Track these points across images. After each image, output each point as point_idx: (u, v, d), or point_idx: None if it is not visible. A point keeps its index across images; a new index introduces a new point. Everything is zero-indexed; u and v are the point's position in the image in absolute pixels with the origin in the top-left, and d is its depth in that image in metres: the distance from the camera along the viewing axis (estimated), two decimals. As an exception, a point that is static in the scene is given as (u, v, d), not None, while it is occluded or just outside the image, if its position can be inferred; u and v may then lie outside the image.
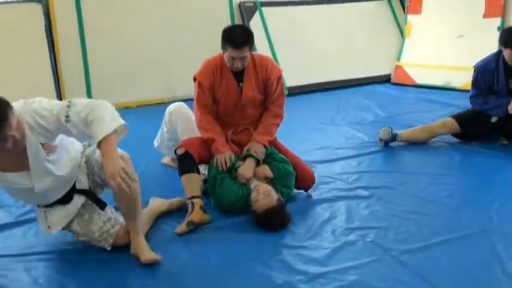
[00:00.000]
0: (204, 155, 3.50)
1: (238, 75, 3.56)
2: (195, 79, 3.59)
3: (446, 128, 4.63)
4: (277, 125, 3.67)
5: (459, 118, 4.61)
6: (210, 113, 3.59)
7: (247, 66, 3.54)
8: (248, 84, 3.57)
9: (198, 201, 3.27)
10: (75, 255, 2.95)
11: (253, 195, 3.28)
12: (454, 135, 4.67)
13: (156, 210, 3.33)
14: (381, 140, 4.58)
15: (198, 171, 3.41)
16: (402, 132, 4.64)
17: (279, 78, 3.63)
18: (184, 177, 3.38)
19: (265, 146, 3.56)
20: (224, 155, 3.45)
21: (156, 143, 4.11)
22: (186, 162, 3.41)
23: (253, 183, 3.39)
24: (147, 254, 2.84)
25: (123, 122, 2.55)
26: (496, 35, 6.50)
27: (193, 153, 3.42)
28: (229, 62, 3.45)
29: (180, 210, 3.40)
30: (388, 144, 4.58)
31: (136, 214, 2.90)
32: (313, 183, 3.65)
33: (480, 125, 4.55)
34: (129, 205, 2.85)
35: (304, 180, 3.61)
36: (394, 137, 4.58)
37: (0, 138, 2.38)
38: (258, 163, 3.49)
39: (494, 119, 4.49)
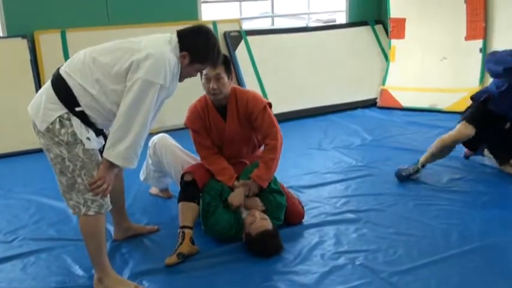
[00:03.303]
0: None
1: (223, 112, 3.55)
2: (186, 126, 3.63)
3: (462, 133, 4.25)
4: (276, 159, 3.51)
5: (471, 119, 4.28)
6: (212, 152, 3.60)
7: (229, 102, 3.50)
8: (230, 119, 3.55)
9: (188, 233, 3.26)
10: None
11: (249, 219, 3.29)
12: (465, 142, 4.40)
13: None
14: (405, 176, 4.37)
15: (198, 202, 3.42)
16: (423, 160, 4.41)
17: (264, 109, 3.50)
18: (183, 204, 3.39)
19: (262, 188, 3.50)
20: None
21: (142, 176, 4.10)
22: (189, 190, 3.43)
23: (244, 213, 3.40)
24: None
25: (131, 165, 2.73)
26: (478, 56, 6.65)
27: (199, 182, 3.44)
28: (205, 86, 3.42)
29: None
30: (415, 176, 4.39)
31: None
32: (302, 219, 3.63)
33: (493, 129, 4.33)
34: None
35: (292, 217, 3.59)
36: (417, 170, 4.39)
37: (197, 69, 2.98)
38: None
39: (508, 125, 4.34)
